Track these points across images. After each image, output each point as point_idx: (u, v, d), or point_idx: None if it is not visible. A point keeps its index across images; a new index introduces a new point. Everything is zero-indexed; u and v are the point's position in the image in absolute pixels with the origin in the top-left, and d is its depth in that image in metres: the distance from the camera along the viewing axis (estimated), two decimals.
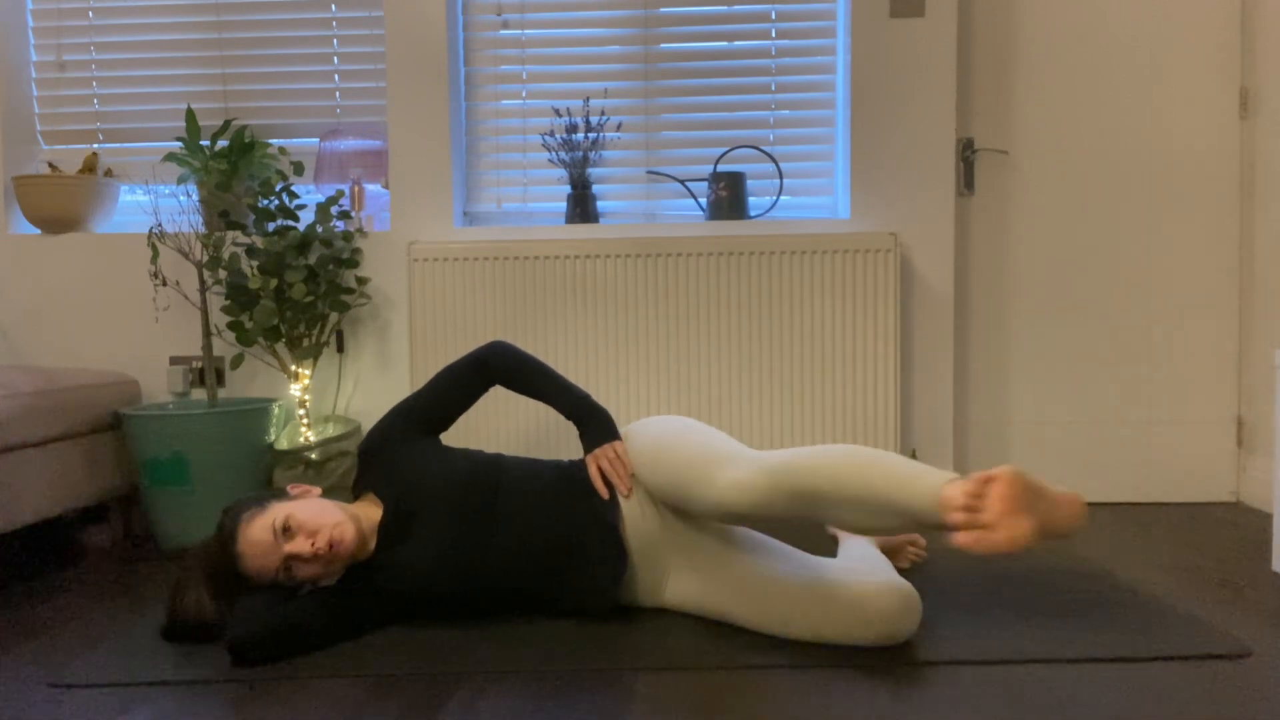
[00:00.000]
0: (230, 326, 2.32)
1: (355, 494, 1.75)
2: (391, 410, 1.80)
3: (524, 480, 1.69)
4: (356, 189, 2.53)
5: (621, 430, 1.79)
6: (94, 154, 2.58)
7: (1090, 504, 2.61)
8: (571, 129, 2.54)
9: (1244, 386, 2.60)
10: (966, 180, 2.59)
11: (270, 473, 2.32)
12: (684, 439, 1.61)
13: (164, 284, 2.47)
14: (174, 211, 2.62)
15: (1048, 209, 2.61)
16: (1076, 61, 2.59)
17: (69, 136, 2.67)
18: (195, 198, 2.56)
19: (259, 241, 2.35)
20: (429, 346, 2.43)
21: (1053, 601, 1.69)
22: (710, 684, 1.35)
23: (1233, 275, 2.60)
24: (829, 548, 2.00)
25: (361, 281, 2.48)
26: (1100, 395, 2.63)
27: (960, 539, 1.29)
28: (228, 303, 2.37)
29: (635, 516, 1.66)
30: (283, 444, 2.34)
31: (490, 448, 2.42)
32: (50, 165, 2.57)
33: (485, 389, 1.85)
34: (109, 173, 2.61)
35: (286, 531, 1.51)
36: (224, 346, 2.56)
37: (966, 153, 2.59)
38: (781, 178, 2.56)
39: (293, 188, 2.36)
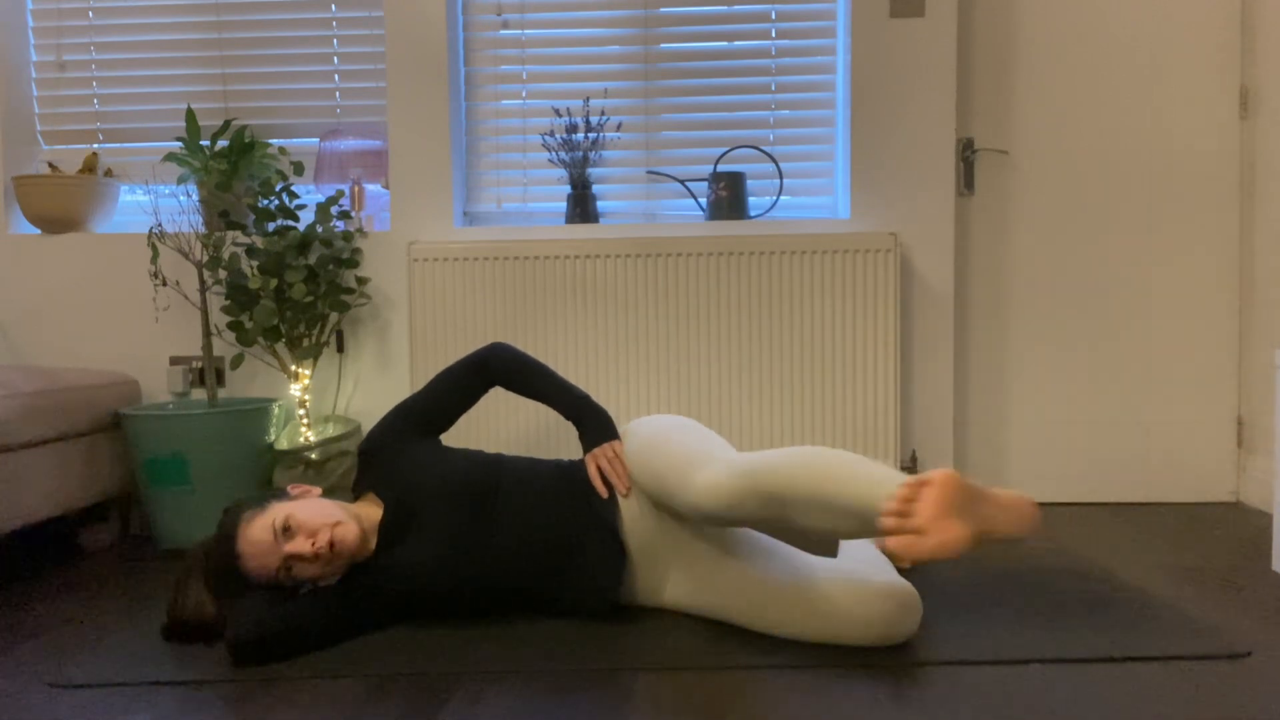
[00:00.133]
0: (230, 326, 2.32)
1: (355, 494, 1.75)
2: (392, 411, 1.81)
3: (524, 480, 1.69)
4: (356, 189, 2.53)
5: (621, 429, 1.79)
6: (94, 154, 2.58)
7: (1090, 504, 2.61)
8: (571, 129, 2.54)
9: (1244, 386, 2.60)
10: (966, 180, 2.59)
11: (270, 473, 2.32)
12: (670, 440, 1.61)
13: (164, 284, 2.47)
14: (174, 211, 2.62)
15: (1048, 209, 2.61)
16: (1076, 61, 2.59)
17: (69, 136, 2.67)
18: (195, 198, 2.56)
19: (259, 241, 2.35)
20: (429, 346, 2.43)
21: (1053, 601, 1.69)
22: (710, 684, 1.35)
23: (1233, 275, 2.60)
24: (830, 548, 2.00)
25: (361, 281, 2.48)
26: (1100, 395, 2.63)
27: (890, 544, 1.27)
28: (228, 303, 2.37)
29: (634, 516, 1.66)
30: (283, 444, 2.34)
31: (490, 448, 2.42)
32: (50, 165, 2.57)
33: (485, 390, 1.86)
34: (109, 173, 2.61)
35: (287, 531, 1.51)
36: (224, 346, 2.56)
37: (966, 153, 2.59)
38: (781, 178, 2.56)
39: (293, 188, 2.36)
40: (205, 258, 2.48)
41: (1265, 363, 2.51)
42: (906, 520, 1.28)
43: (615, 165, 2.62)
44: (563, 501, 1.67)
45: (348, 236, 2.42)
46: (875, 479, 1.35)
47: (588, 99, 2.59)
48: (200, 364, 2.54)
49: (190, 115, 2.47)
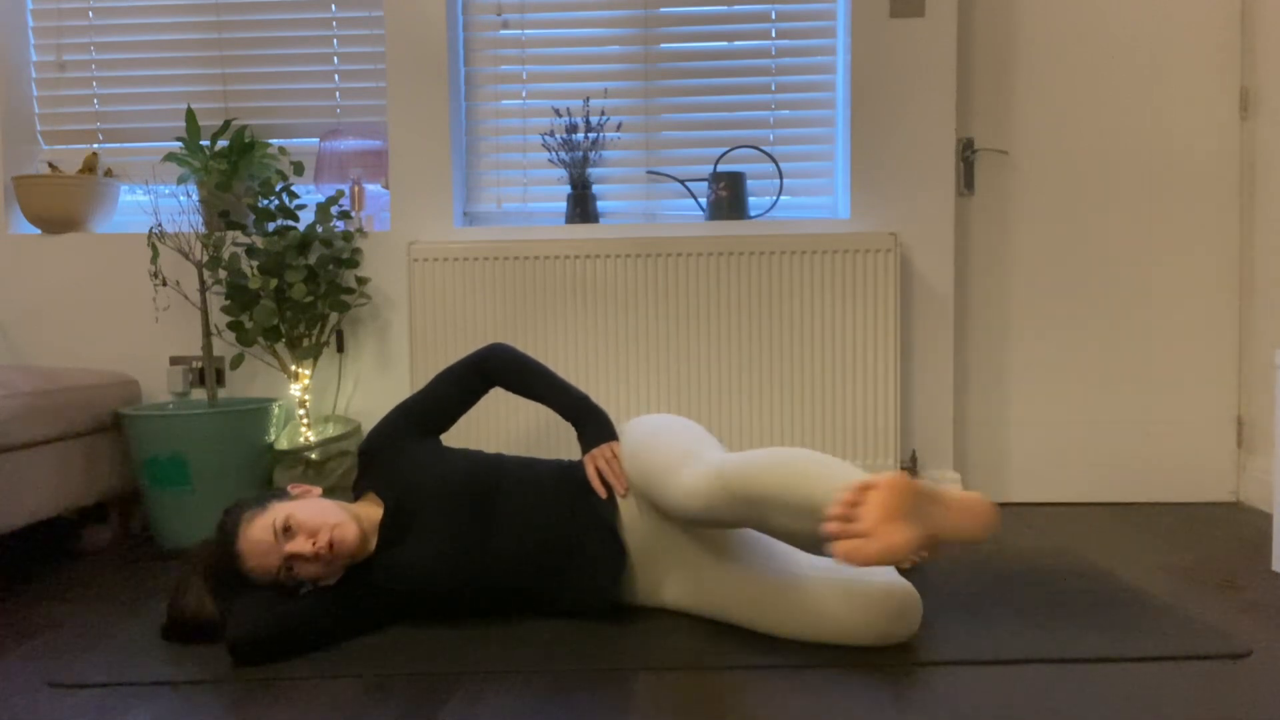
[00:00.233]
0: (230, 326, 2.32)
1: (356, 494, 1.75)
2: (392, 411, 1.81)
3: (524, 480, 1.69)
4: (356, 189, 2.53)
5: (618, 428, 1.79)
6: (94, 154, 2.58)
7: (1090, 504, 2.61)
8: (571, 129, 2.54)
9: (1244, 386, 2.60)
10: (966, 180, 2.59)
11: (270, 473, 2.32)
12: (658, 441, 1.61)
13: (164, 284, 2.47)
14: (174, 211, 2.62)
15: (1048, 209, 2.61)
16: (1076, 61, 2.59)
17: (69, 136, 2.67)
18: (195, 198, 2.56)
19: (259, 241, 2.35)
20: (429, 346, 2.43)
21: (1053, 601, 1.69)
22: (710, 684, 1.35)
23: (1233, 275, 2.60)
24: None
25: (361, 281, 2.48)
26: (1100, 395, 2.63)
27: (834, 549, 1.25)
28: (228, 303, 2.37)
29: (633, 516, 1.66)
30: (283, 444, 2.34)
31: (490, 448, 2.42)
32: (50, 165, 2.57)
33: (485, 390, 1.86)
34: (109, 173, 2.61)
35: (287, 531, 1.51)
36: (224, 346, 2.56)
37: (966, 153, 2.59)
38: (781, 178, 2.56)
39: (293, 188, 2.36)
40: (205, 258, 2.48)
41: (1265, 363, 2.51)
42: (850, 525, 1.26)
43: (615, 165, 2.62)
44: (563, 501, 1.67)
45: (348, 236, 2.42)
46: (836, 481, 1.33)
47: (588, 99, 2.59)
48: (200, 364, 2.54)
49: (190, 115, 2.47)
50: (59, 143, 2.68)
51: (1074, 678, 1.35)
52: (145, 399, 2.56)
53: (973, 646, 1.47)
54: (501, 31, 2.60)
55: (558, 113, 2.59)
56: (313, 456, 2.27)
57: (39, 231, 2.58)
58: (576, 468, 1.74)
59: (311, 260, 2.34)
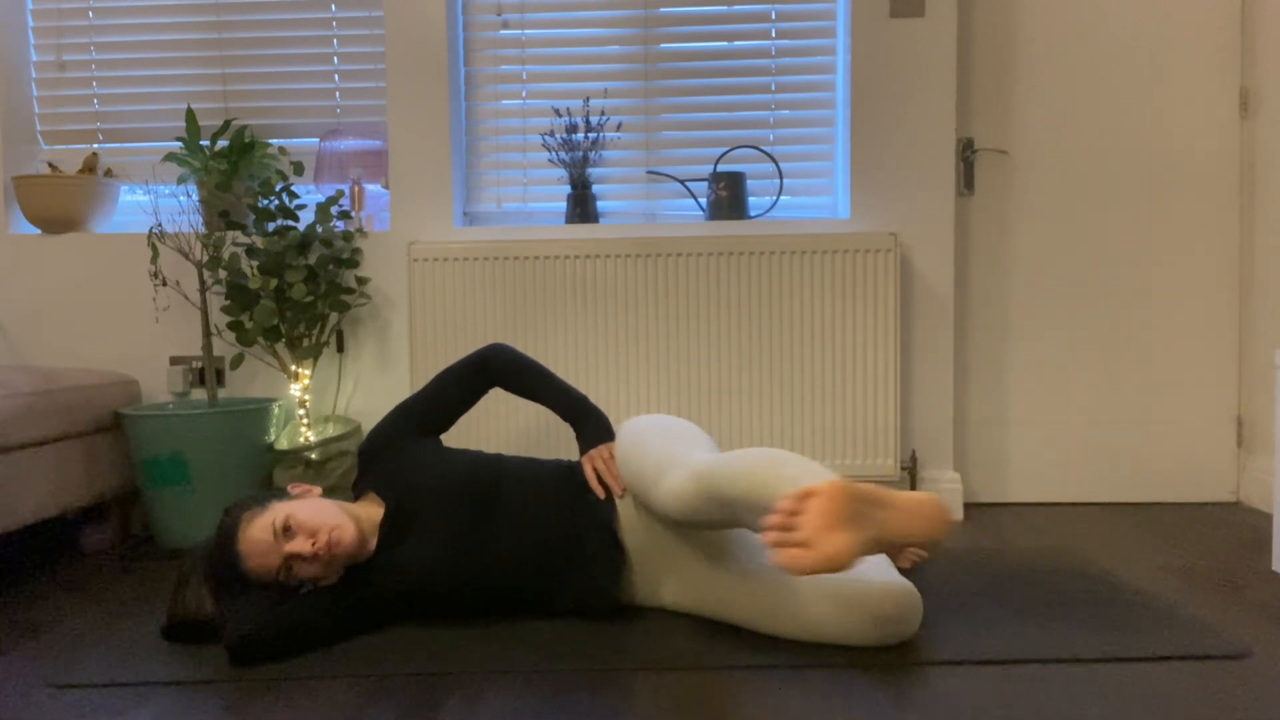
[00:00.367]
0: (230, 326, 2.32)
1: (356, 494, 1.75)
2: (392, 411, 1.81)
3: (524, 480, 1.69)
4: (356, 189, 2.53)
5: (616, 428, 1.79)
6: (94, 154, 2.58)
7: (1090, 504, 2.61)
8: (571, 129, 2.54)
9: (1244, 386, 2.60)
10: (966, 180, 2.59)
11: (270, 473, 2.32)
12: (646, 443, 1.62)
13: (164, 284, 2.47)
14: (174, 211, 2.62)
15: (1048, 209, 2.61)
16: (1076, 61, 2.59)
17: (69, 136, 2.67)
18: (195, 198, 2.56)
19: (259, 241, 2.35)
20: (429, 346, 2.43)
21: (1053, 601, 1.69)
22: (710, 684, 1.35)
23: (1232, 275, 2.60)
24: None
25: (361, 281, 2.48)
26: (1100, 395, 2.63)
27: (775, 558, 1.24)
28: (228, 303, 2.37)
29: (631, 517, 1.66)
30: (283, 444, 2.34)
31: (490, 448, 2.42)
32: (50, 165, 2.57)
33: (485, 391, 1.86)
34: (109, 173, 2.61)
35: (287, 531, 1.51)
36: (224, 346, 2.56)
37: (966, 153, 2.59)
38: (781, 178, 2.56)
39: (293, 188, 2.36)
40: (205, 258, 2.48)
41: (1265, 363, 2.51)
42: (788, 534, 1.25)
43: (615, 165, 2.62)
44: (562, 502, 1.67)
45: (348, 236, 2.42)
46: (788, 481, 1.33)
47: (588, 99, 2.59)
48: (200, 364, 2.54)
49: (190, 115, 2.47)
50: (59, 143, 2.68)
51: (1074, 678, 1.35)
52: (145, 399, 2.56)
53: (973, 646, 1.47)
54: (501, 31, 2.60)
55: (558, 113, 2.59)
56: (313, 456, 2.27)
57: (39, 231, 2.58)
58: (576, 468, 1.75)
59: (311, 260, 2.34)
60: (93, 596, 1.88)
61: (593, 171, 2.58)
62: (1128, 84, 2.59)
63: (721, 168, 2.58)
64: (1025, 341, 2.63)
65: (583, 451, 1.77)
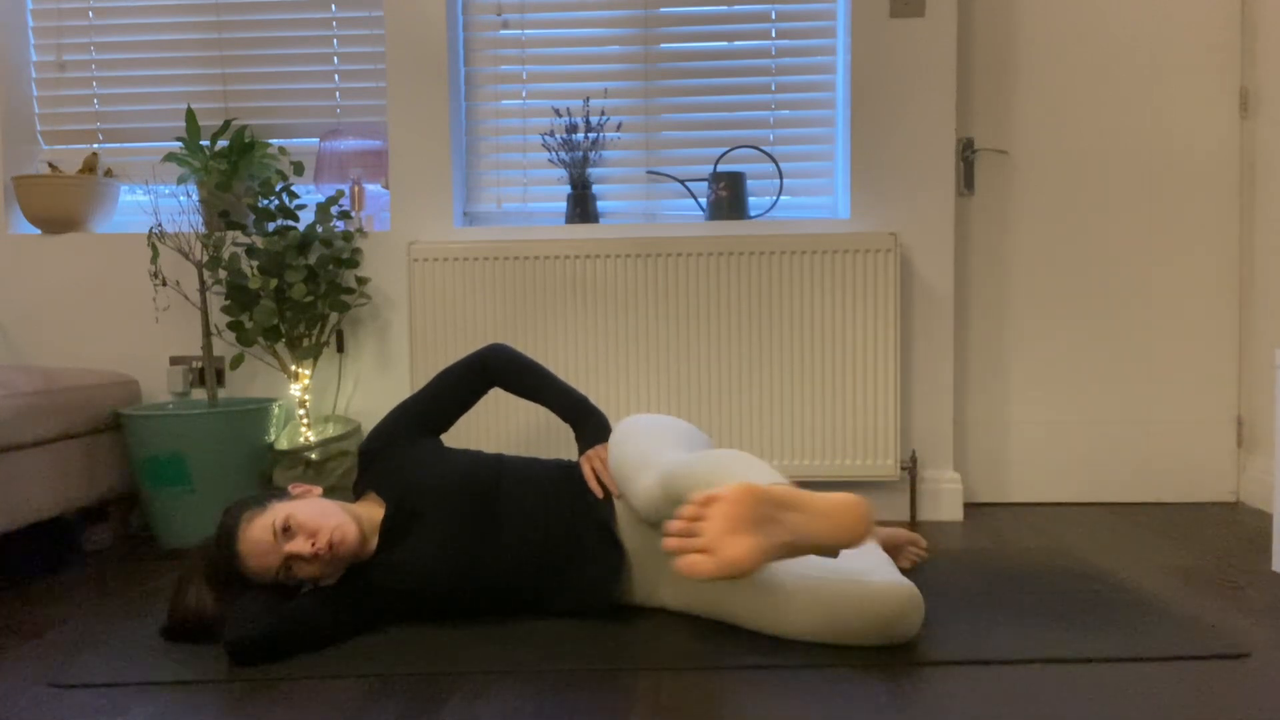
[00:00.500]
0: (230, 326, 2.32)
1: (356, 494, 1.75)
2: (392, 411, 1.81)
3: (524, 479, 1.70)
4: (356, 189, 2.53)
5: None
6: (94, 154, 2.58)
7: (1090, 504, 2.61)
8: (571, 129, 2.54)
9: (1244, 386, 2.60)
10: (966, 180, 2.59)
11: (270, 473, 2.32)
12: (629, 442, 1.62)
13: (164, 284, 2.47)
14: (174, 211, 2.62)
15: (1048, 209, 2.61)
16: (1076, 61, 2.59)
17: (69, 136, 2.67)
18: (195, 198, 2.56)
19: (259, 241, 2.35)
20: (429, 346, 2.43)
21: (1052, 601, 1.69)
22: (710, 684, 1.35)
23: (1233, 275, 2.60)
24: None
25: (361, 281, 2.48)
26: (1100, 395, 2.63)
27: (678, 564, 1.23)
28: (228, 303, 2.37)
29: (630, 516, 1.66)
30: (283, 444, 2.34)
31: (490, 448, 2.42)
32: (50, 165, 2.57)
33: (484, 391, 1.86)
34: (109, 173, 2.61)
35: (287, 531, 1.51)
36: (224, 346, 2.56)
37: (966, 153, 2.59)
38: (781, 178, 2.56)
39: (293, 188, 2.36)
40: (205, 258, 2.48)
41: (1265, 363, 2.51)
42: (690, 540, 1.24)
43: (615, 165, 2.62)
44: (563, 501, 1.67)
45: (348, 236, 2.42)
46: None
47: (588, 99, 2.59)
48: (200, 364, 2.54)
49: (190, 115, 2.47)
50: (59, 143, 2.68)
51: (1074, 678, 1.35)
52: (145, 399, 2.56)
53: (973, 646, 1.47)
54: (501, 31, 2.60)
55: (558, 113, 2.59)
56: (313, 456, 2.27)
57: (39, 231, 2.58)
58: (576, 468, 1.75)
59: (311, 260, 2.34)
60: (93, 596, 1.88)
61: (593, 171, 2.58)
62: (1128, 84, 2.59)
63: (721, 168, 2.58)
64: (1025, 341, 2.63)
65: (581, 452, 1.77)
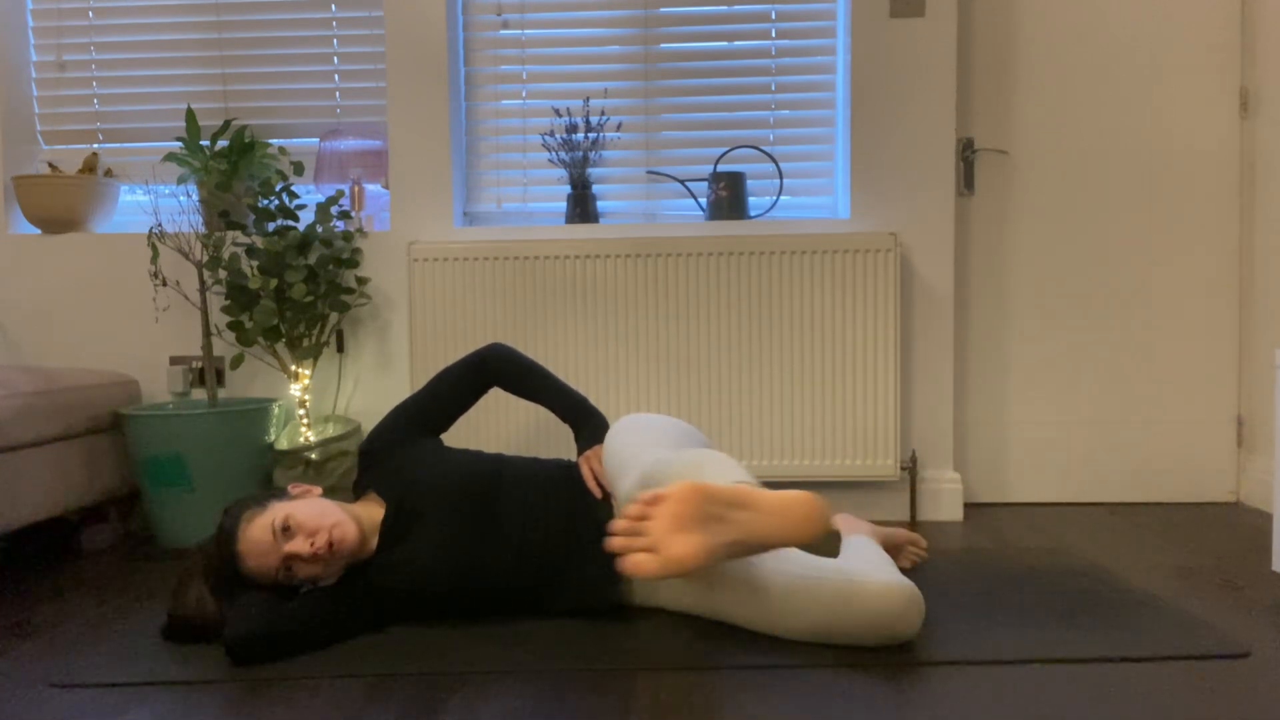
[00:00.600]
0: (230, 326, 2.32)
1: (356, 494, 1.75)
2: (392, 411, 1.81)
3: (524, 479, 1.70)
4: (356, 189, 2.53)
5: None
6: (94, 154, 2.58)
7: (1090, 504, 2.61)
8: (571, 129, 2.54)
9: (1244, 386, 2.60)
10: (966, 180, 2.59)
11: (270, 473, 2.32)
12: (621, 442, 1.63)
13: (164, 284, 2.47)
14: (174, 211, 2.62)
15: (1048, 209, 2.61)
16: (1076, 61, 2.59)
17: (69, 136, 2.67)
18: (195, 198, 2.56)
19: (259, 241, 2.35)
20: (429, 346, 2.43)
21: (1053, 601, 1.69)
22: (710, 684, 1.35)
23: (1233, 275, 2.60)
24: (831, 548, 2.00)
25: (361, 281, 2.48)
26: (1100, 395, 2.63)
27: (622, 564, 1.23)
28: (228, 303, 2.37)
29: None
30: (283, 444, 2.34)
31: (490, 448, 2.42)
32: (50, 165, 2.57)
33: (484, 391, 1.87)
34: (109, 173, 2.61)
35: (286, 531, 1.51)
36: (224, 346, 2.56)
37: (966, 153, 2.59)
38: (781, 178, 2.56)
39: (293, 188, 2.36)
40: (205, 258, 2.48)
41: (1265, 363, 2.51)
42: (634, 539, 1.24)
43: (615, 165, 2.62)
44: (563, 501, 1.67)
45: (348, 236, 2.42)
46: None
47: (588, 99, 2.59)
48: (200, 364, 2.54)
49: (190, 115, 2.47)
50: (59, 143, 2.68)
51: (1074, 678, 1.35)
52: (145, 399, 2.56)
53: (973, 646, 1.47)
54: (501, 31, 2.60)
55: (558, 113, 2.59)
56: (313, 456, 2.27)
57: (39, 231, 2.58)
58: (576, 468, 1.75)
59: (311, 260, 2.34)
60: (93, 596, 1.88)
61: (593, 171, 2.58)
62: (1128, 84, 2.59)
63: (721, 168, 2.58)
64: (1025, 342, 2.63)
65: (580, 452, 1.77)
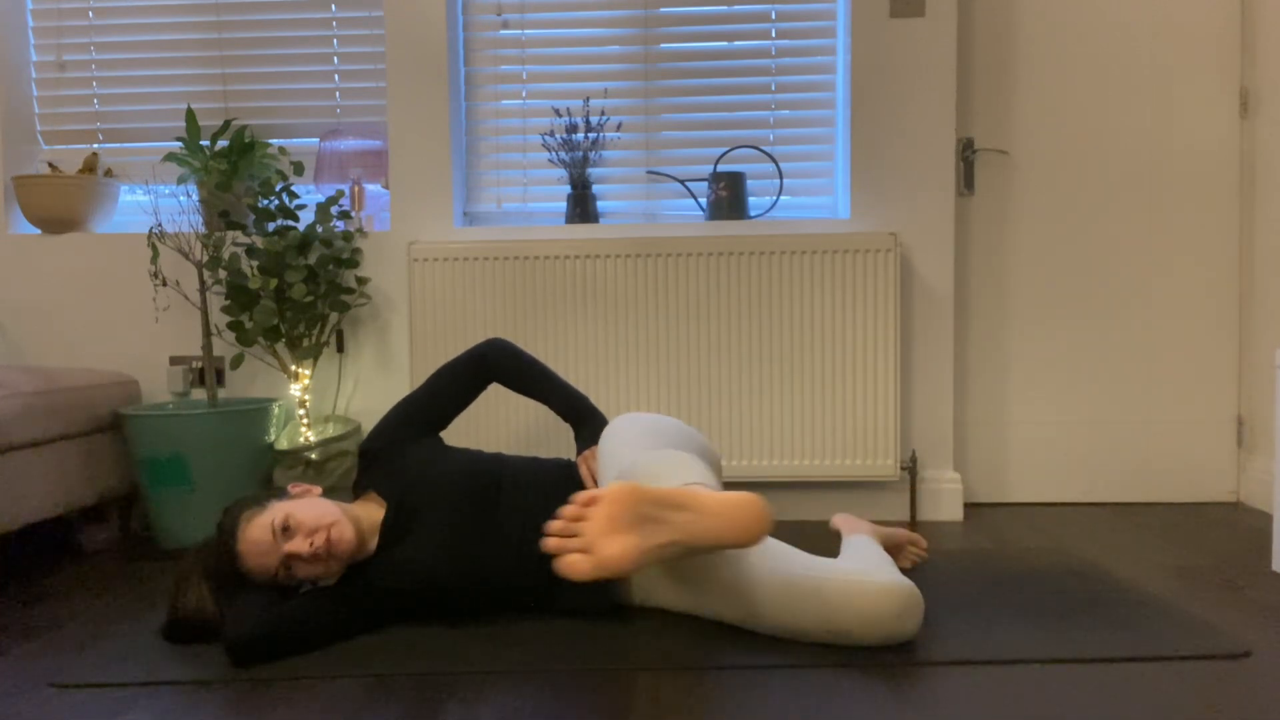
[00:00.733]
0: (230, 326, 2.32)
1: (356, 494, 1.75)
2: (392, 409, 1.81)
3: (524, 478, 1.70)
4: (356, 189, 2.53)
5: None
6: (94, 154, 2.58)
7: (1090, 504, 2.61)
8: (571, 129, 2.54)
9: (1244, 386, 2.60)
10: (966, 180, 2.59)
11: (270, 473, 2.32)
12: (613, 442, 1.63)
13: (164, 284, 2.47)
14: (174, 211, 2.62)
15: (1048, 209, 2.61)
16: (1076, 61, 2.59)
17: (69, 136, 2.67)
18: (195, 198, 2.56)
19: (259, 241, 2.35)
20: (429, 346, 2.43)
21: (1053, 601, 1.69)
22: (710, 684, 1.35)
23: (1233, 275, 2.60)
24: (830, 547, 2.00)
25: (361, 281, 2.48)
26: (1100, 395, 2.63)
27: (557, 564, 1.23)
28: (228, 303, 2.37)
29: None
30: (283, 444, 2.34)
31: (490, 448, 2.42)
32: (50, 165, 2.57)
33: (484, 387, 1.86)
34: (109, 173, 2.61)
35: (285, 531, 1.51)
36: (224, 346, 2.56)
37: (966, 153, 2.59)
38: (781, 178, 2.56)
39: (293, 188, 2.36)
40: (205, 258, 2.48)
41: (1265, 363, 2.51)
42: (568, 540, 1.24)
43: (615, 165, 2.62)
44: (563, 500, 1.67)
45: (348, 236, 2.42)
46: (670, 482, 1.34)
47: (588, 99, 2.59)
48: (200, 364, 2.54)
49: (190, 115, 2.47)
50: (59, 143, 2.68)
51: (1074, 678, 1.35)
52: (145, 399, 2.56)
53: (973, 646, 1.47)
54: (501, 31, 2.60)
55: (558, 113, 2.59)
56: (313, 456, 2.27)
57: (39, 231, 2.58)
58: (576, 467, 1.75)
59: (311, 260, 2.34)
60: (93, 596, 1.88)
61: (593, 171, 2.58)
62: (1127, 84, 2.59)
63: (721, 168, 2.58)
64: (1025, 342, 2.63)
65: (580, 451, 1.77)
